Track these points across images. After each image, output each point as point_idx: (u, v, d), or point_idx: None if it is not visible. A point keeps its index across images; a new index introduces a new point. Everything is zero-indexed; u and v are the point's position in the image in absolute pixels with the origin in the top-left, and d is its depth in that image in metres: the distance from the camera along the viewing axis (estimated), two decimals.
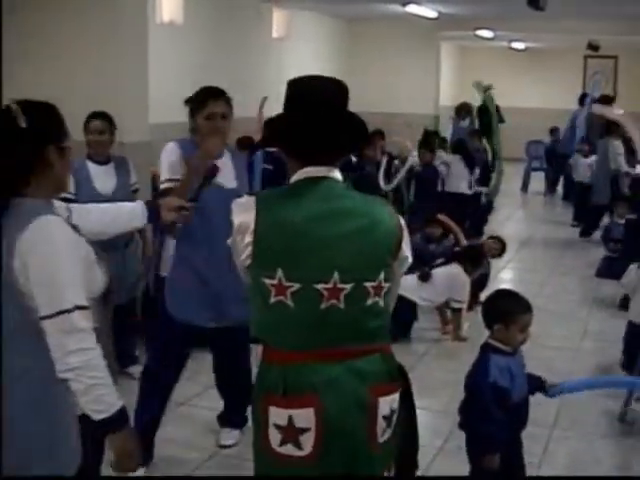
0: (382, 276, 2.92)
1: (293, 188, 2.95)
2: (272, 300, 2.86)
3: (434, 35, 17.92)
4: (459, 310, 7.73)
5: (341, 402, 2.88)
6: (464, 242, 8.54)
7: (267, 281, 2.85)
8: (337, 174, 2.97)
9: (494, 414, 4.02)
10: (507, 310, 4.16)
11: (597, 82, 22.81)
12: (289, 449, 2.89)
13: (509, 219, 14.59)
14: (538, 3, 11.80)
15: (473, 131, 14.88)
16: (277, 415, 2.88)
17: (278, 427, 2.89)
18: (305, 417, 2.86)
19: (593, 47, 19.30)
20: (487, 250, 8.48)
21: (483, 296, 7.19)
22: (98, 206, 3.64)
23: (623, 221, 10.49)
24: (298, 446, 2.88)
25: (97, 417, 2.80)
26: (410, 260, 3.08)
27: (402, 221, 3.02)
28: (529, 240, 12.79)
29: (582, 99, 16.28)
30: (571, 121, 16.06)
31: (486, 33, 18.28)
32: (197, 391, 6.32)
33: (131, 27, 10.52)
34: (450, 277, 7.74)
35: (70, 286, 2.79)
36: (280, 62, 14.90)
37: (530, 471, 4.44)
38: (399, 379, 3.08)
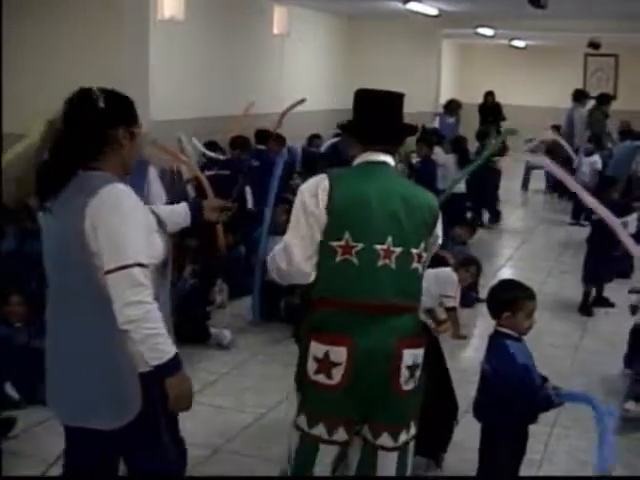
0: (422, 246, 3.64)
1: (359, 169, 3.73)
2: (338, 259, 3.56)
3: (435, 33, 17.92)
4: (453, 309, 7.71)
5: (371, 348, 3.52)
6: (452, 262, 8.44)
7: (334, 243, 3.56)
8: (392, 161, 3.74)
9: (534, 386, 4.13)
10: (513, 298, 4.31)
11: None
12: (321, 378, 3.57)
13: (509, 217, 14.57)
14: (539, 1, 11.80)
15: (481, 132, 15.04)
16: (316, 349, 3.57)
17: (316, 359, 3.57)
18: (338, 354, 3.52)
19: (594, 45, 19.31)
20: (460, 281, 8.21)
21: (482, 293, 7.20)
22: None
23: (623, 219, 10.45)
24: (329, 376, 3.55)
25: (153, 363, 3.15)
26: (441, 240, 3.80)
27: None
28: (529, 238, 12.79)
29: (577, 95, 16.22)
30: (568, 118, 16.03)
31: (487, 31, 18.28)
32: (196, 388, 6.30)
33: (132, 23, 10.51)
34: (439, 273, 7.78)
35: (132, 245, 3.12)
36: (281, 59, 14.91)
37: (531, 469, 4.47)
38: (423, 336, 3.73)
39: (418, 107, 14.63)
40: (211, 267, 7.98)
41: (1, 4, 7.38)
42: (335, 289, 3.59)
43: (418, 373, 3.64)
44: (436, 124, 14.99)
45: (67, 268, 3.21)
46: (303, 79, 15.75)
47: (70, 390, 3.28)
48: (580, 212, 13.51)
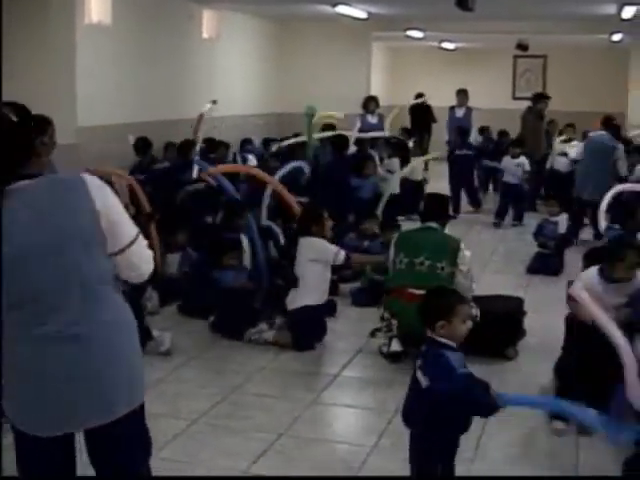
0: (444, 262, 6.87)
1: (414, 229, 7.60)
2: (397, 267, 7.06)
3: (365, 35, 17.97)
4: None
5: (407, 315, 6.38)
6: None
7: (396, 259, 7.07)
8: (435, 225, 7.28)
9: (478, 393, 4.10)
10: (446, 304, 4.20)
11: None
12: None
13: None
14: (467, 4, 11.91)
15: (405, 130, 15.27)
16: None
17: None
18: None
19: (522, 47, 19.54)
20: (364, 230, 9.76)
21: None
22: None
23: (554, 219, 10.66)
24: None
25: None
26: (466, 254, 7.04)
27: (461, 243, 7.10)
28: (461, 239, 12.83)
29: (460, 93, 16.19)
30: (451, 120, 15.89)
31: (416, 33, 18.39)
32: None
33: (59, 28, 10.40)
34: None
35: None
36: (210, 63, 14.84)
37: (462, 466, 4.46)
38: None
39: (349, 109, 14.71)
40: None
41: (1, 4, 7.21)
42: (393, 283, 7.13)
43: None
44: (357, 125, 14.81)
45: (89, 251, 3.23)
46: (234, 83, 15.71)
47: (121, 377, 3.35)
48: (504, 212, 13.71)
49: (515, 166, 13.70)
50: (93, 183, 3.27)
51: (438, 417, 4.10)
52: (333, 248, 7.56)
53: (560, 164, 14.46)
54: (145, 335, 7.12)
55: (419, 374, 4.18)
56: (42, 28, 10.27)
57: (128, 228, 3.36)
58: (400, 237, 7.39)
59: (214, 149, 12.53)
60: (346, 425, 6.10)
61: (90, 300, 3.25)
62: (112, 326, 3.32)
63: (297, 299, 7.50)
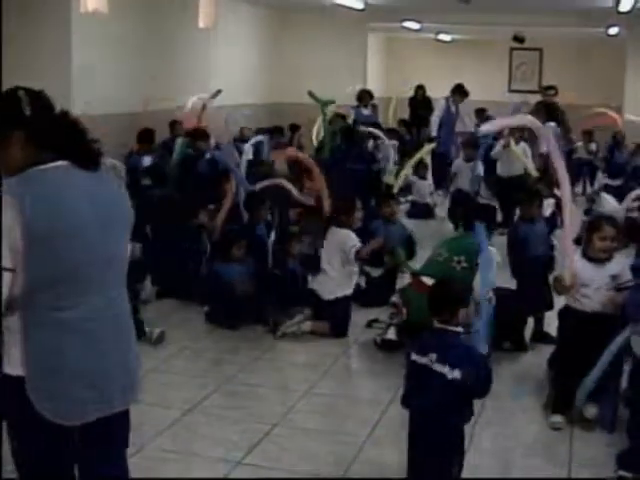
0: (462, 257, 6.74)
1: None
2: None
3: (361, 26, 17.94)
4: None
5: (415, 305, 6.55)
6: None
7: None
8: None
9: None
10: (461, 290, 4.37)
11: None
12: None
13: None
14: None
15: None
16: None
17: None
18: None
19: (518, 39, 19.49)
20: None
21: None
22: None
23: None
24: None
25: None
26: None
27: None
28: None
29: (455, 90, 15.21)
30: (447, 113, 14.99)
31: (412, 25, 18.36)
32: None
33: (54, 18, 10.37)
34: None
35: None
36: (207, 52, 14.79)
37: None
38: None
39: (344, 100, 14.68)
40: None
41: (0, 4, 7.22)
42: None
43: None
44: (351, 117, 14.73)
45: (124, 234, 3.26)
46: (231, 73, 15.65)
47: (131, 366, 3.27)
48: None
49: (470, 170, 12.00)
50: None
51: (467, 405, 4.22)
52: (351, 243, 7.59)
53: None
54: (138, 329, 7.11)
55: (439, 367, 4.17)
56: (37, 17, 10.25)
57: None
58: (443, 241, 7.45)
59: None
60: (340, 416, 6.09)
61: (122, 280, 3.25)
62: (127, 308, 3.30)
63: (333, 289, 7.58)
